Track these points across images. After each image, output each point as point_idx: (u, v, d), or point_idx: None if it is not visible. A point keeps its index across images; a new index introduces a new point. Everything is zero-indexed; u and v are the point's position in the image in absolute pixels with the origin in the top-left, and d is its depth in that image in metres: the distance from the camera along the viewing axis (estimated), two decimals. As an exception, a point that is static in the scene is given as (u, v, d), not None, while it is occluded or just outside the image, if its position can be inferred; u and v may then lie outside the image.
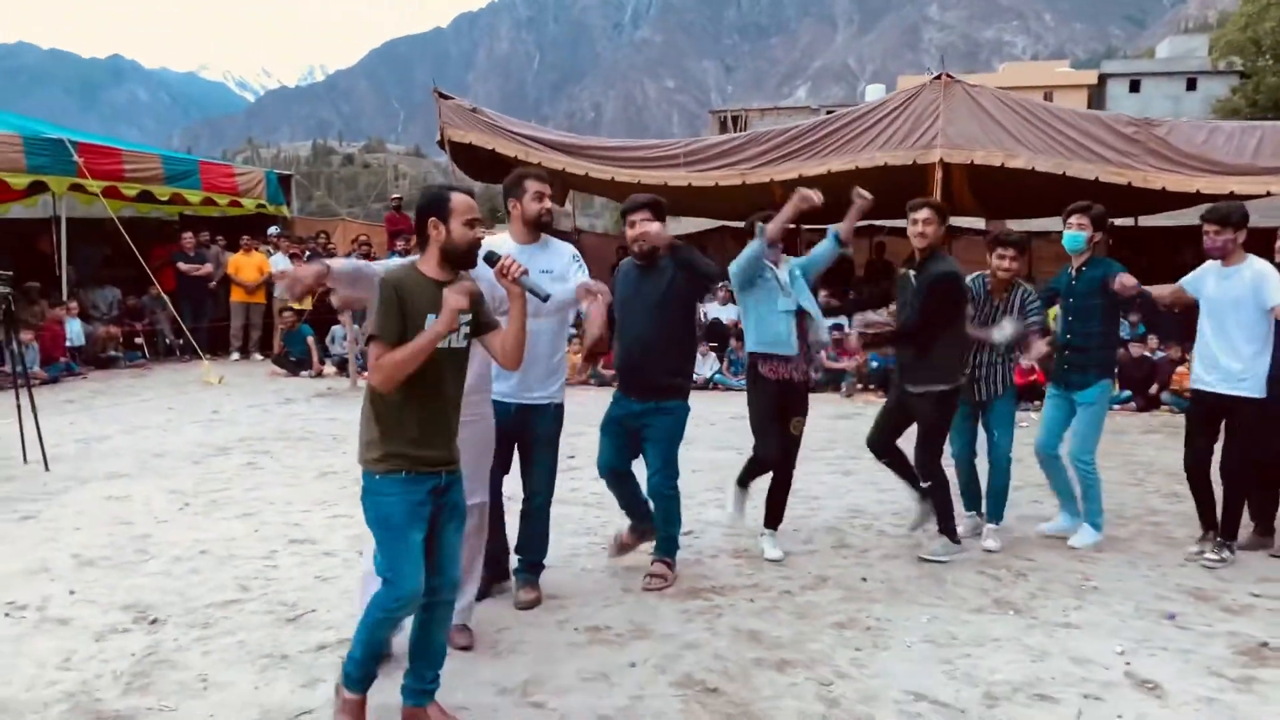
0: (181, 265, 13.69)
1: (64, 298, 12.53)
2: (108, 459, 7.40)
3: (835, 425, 9.18)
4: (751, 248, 4.87)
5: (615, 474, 4.80)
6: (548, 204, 4.33)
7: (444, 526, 3.23)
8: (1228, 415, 5.14)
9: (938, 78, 12.01)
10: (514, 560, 4.56)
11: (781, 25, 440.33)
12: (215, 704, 3.45)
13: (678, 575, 4.79)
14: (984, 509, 5.50)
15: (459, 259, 3.22)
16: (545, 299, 3.37)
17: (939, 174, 11.74)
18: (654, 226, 4.61)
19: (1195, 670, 3.83)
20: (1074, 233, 5.37)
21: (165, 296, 12.81)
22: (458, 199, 3.23)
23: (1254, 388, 5.02)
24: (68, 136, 12.03)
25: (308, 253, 13.45)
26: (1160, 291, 5.43)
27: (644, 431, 4.69)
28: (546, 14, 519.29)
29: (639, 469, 4.82)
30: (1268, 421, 5.09)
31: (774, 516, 5.27)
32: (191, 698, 3.50)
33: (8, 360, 8.99)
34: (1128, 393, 10.58)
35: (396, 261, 3.98)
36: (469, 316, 3.23)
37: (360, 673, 3.18)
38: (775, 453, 5.06)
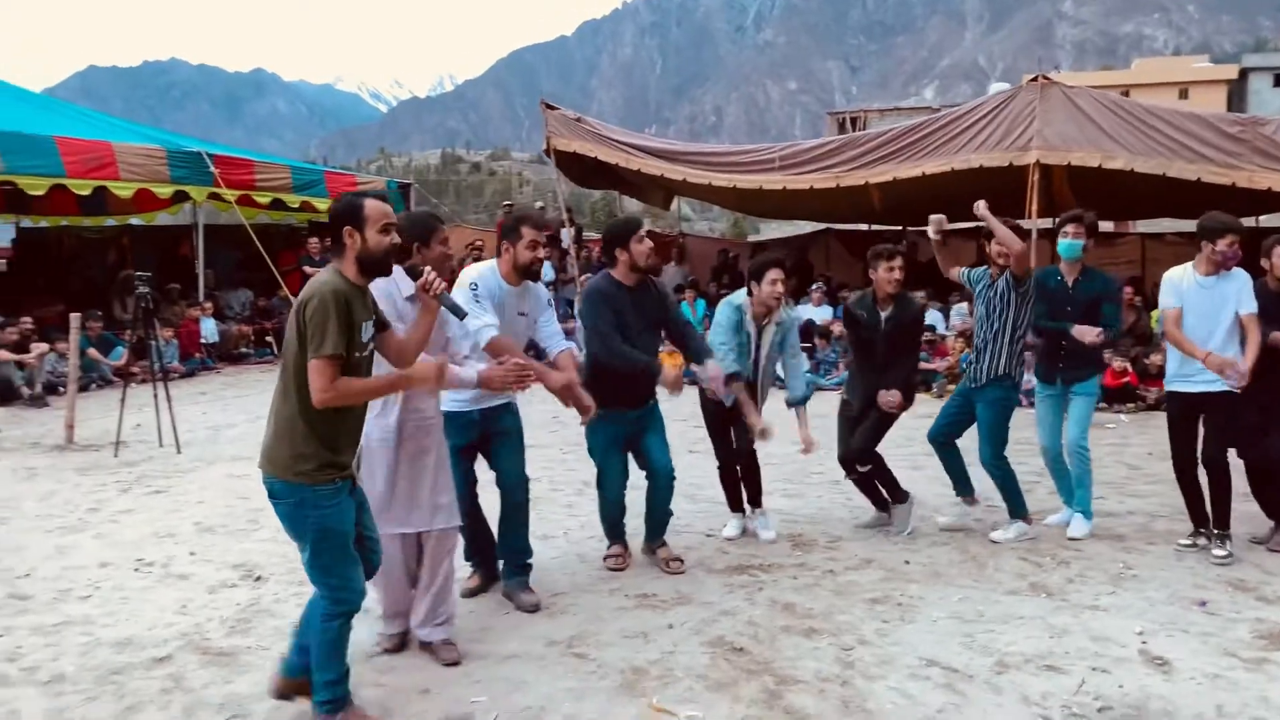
0: (307, 269, 14.59)
1: (200, 299, 13.59)
2: (233, 443, 8.14)
3: (919, 424, 9.32)
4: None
5: (623, 490, 4.97)
6: (540, 254, 4.39)
7: (361, 521, 3.34)
8: (1205, 410, 5.23)
9: (1034, 79, 12.01)
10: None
11: (908, 24, 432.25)
12: (235, 663, 3.97)
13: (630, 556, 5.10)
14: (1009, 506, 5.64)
15: (375, 266, 3.22)
16: (462, 318, 3.56)
17: (1035, 175, 11.72)
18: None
19: (1210, 651, 4.00)
20: (1071, 241, 5.50)
21: (293, 298, 13.73)
22: (372, 206, 3.22)
23: (1233, 383, 5.10)
24: (205, 149, 13.07)
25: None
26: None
27: (645, 429, 4.92)
28: (669, 19, 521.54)
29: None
30: (1242, 414, 5.20)
31: (737, 500, 5.65)
32: (283, 640, 4.00)
33: (149, 355, 9.88)
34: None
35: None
36: (373, 318, 3.29)
37: (338, 693, 3.25)
38: (731, 454, 5.46)
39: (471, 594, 4.55)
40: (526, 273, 4.38)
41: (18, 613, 4.37)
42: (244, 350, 13.84)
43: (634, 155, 13.96)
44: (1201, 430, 5.29)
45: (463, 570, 4.57)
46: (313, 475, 3.11)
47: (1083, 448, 5.55)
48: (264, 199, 13.89)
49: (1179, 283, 5.26)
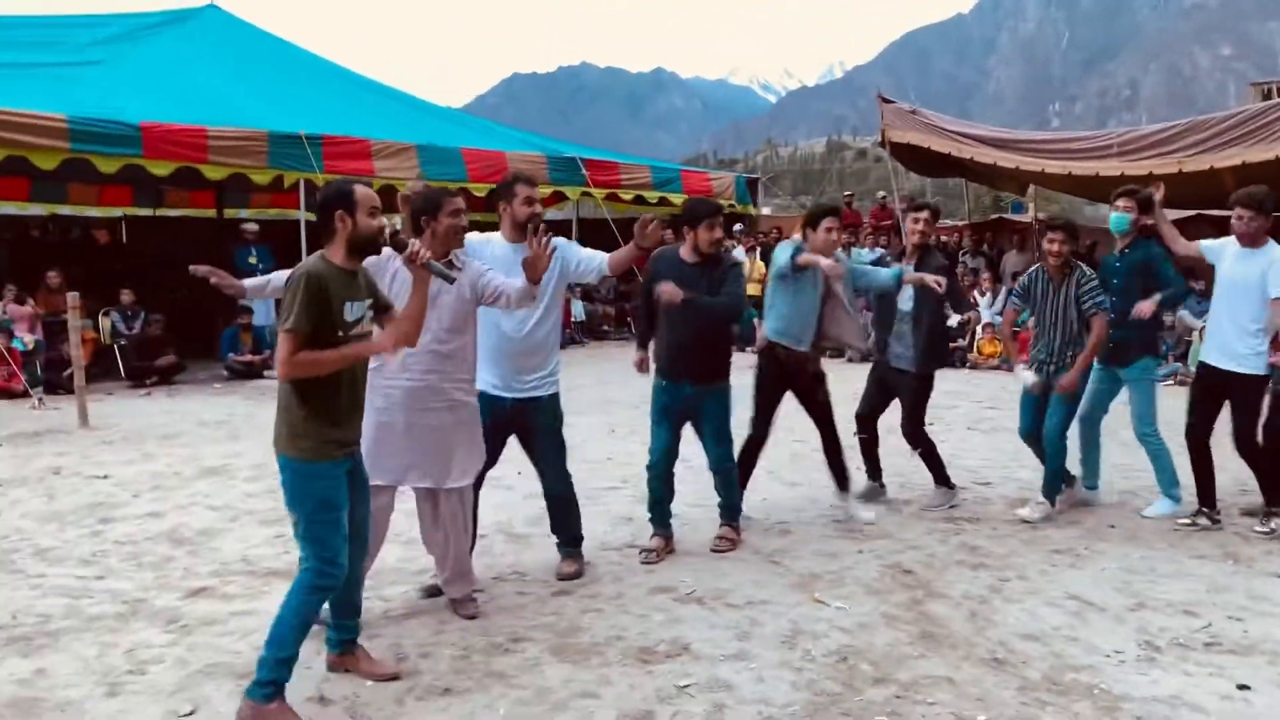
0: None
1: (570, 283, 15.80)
2: (573, 402, 9.80)
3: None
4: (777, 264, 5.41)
5: (669, 464, 5.06)
6: (537, 208, 4.48)
7: (357, 501, 3.50)
8: (1230, 391, 5.32)
9: None
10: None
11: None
12: (528, 545, 5.33)
13: (743, 539, 5.25)
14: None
15: (364, 247, 3.38)
16: (451, 282, 3.51)
17: None
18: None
19: (1367, 617, 4.23)
20: (1120, 214, 5.66)
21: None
22: (361, 191, 3.37)
23: (1256, 365, 5.23)
24: (578, 154, 15.17)
25: (758, 247, 15.58)
26: (1185, 248, 5.72)
27: (700, 413, 5.03)
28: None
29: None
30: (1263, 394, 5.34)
31: (842, 478, 5.73)
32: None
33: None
34: None
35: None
36: (370, 300, 3.45)
37: (283, 676, 3.27)
38: (764, 434, 5.56)
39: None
40: (524, 227, 4.37)
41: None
42: (606, 329, 15.89)
43: (966, 144, 14.32)
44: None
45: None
46: (314, 451, 3.30)
47: (1147, 434, 5.75)
48: (627, 196, 15.81)
49: (1220, 249, 5.46)
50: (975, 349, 13.23)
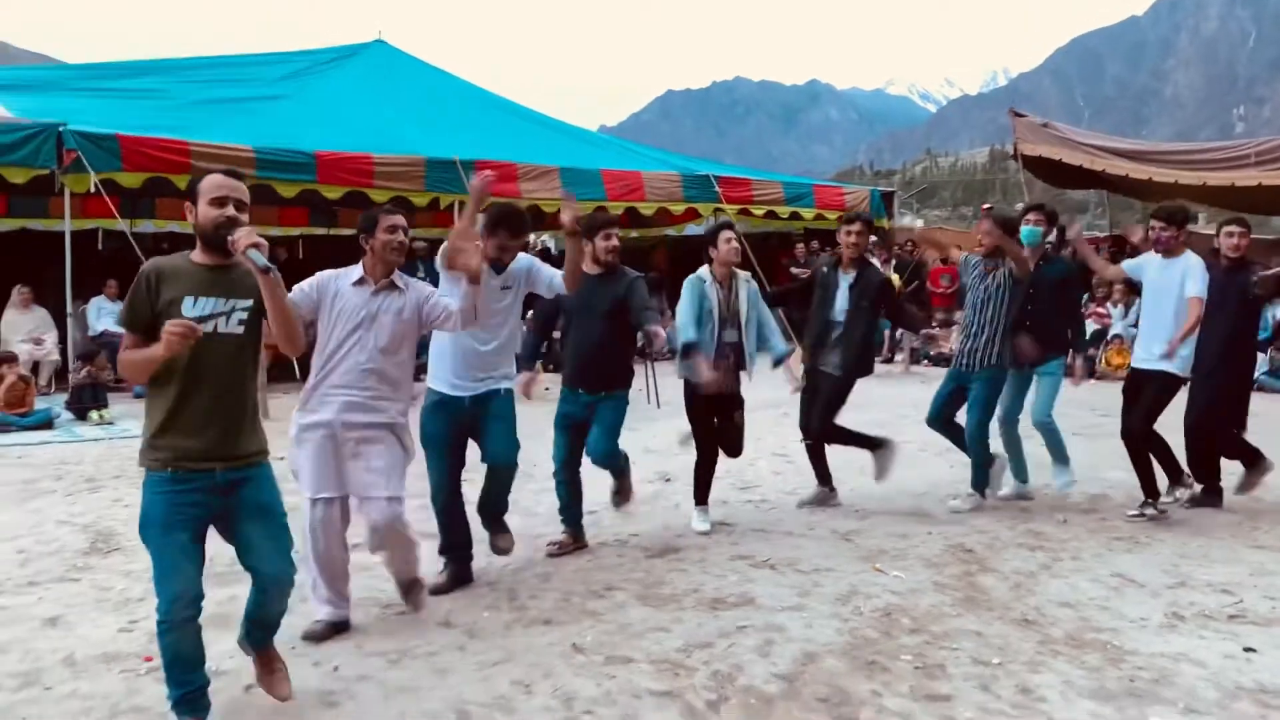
0: (793, 269, 16.95)
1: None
2: (661, 412, 10.52)
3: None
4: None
5: (571, 469, 5.31)
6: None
7: (243, 524, 3.22)
8: (1151, 387, 5.65)
9: None
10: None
11: None
12: (634, 520, 6.04)
13: (582, 545, 5.39)
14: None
15: (210, 238, 3.08)
16: (266, 273, 3.02)
17: None
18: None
19: (1403, 601, 4.51)
20: (1032, 228, 6.01)
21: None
22: (208, 180, 3.10)
23: (1177, 366, 5.58)
24: (712, 172, 15.90)
25: (893, 260, 15.98)
26: (1108, 271, 6.46)
27: (593, 416, 5.19)
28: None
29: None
30: (1171, 393, 5.76)
31: (705, 492, 5.84)
32: (679, 518, 6.14)
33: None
34: None
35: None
36: (248, 302, 3.14)
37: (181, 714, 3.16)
38: (711, 449, 5.77)
39: (437, 592, 4.64)
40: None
41: (524, 483, 6.90)
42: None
43: (1098, 157, 14.36)
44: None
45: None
46: (147, 458, 3.09)
47: (1046, 423, 6.18)
48: (759, 211, 16.44)
49: (1141, 263, 5.92)
50: (1104, 360, 13.25)
